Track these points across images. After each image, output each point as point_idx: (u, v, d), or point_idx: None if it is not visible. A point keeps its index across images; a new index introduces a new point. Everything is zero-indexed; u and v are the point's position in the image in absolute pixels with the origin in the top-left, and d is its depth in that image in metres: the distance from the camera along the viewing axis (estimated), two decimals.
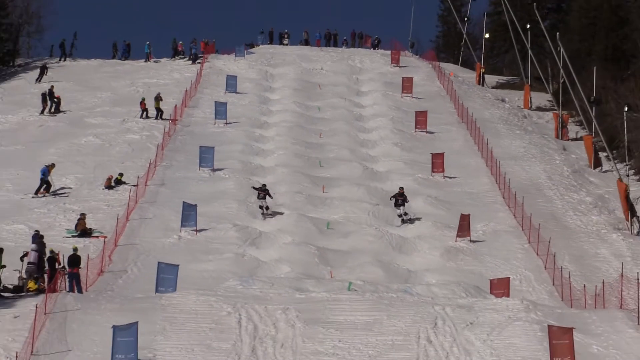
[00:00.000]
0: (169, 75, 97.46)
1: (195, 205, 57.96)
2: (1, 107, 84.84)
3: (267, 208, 58.67)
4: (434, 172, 68.04)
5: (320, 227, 58.70)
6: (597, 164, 71.50)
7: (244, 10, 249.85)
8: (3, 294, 46.85)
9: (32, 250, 49.24)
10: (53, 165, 65.30)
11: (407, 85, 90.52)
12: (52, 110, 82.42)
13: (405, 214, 58.57)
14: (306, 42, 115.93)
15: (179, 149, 71.94)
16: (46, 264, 48.60)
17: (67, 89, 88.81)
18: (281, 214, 59.81)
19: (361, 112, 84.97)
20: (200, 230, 56.84)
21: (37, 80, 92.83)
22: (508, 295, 47.47)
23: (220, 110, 79.30)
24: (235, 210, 60.40)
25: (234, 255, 53.91)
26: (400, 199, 58.71)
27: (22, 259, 48.62)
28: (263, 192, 58.82)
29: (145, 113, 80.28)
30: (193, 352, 39.31)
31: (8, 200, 62.40)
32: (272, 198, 59.00)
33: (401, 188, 59.36)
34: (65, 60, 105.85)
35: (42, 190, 63.27)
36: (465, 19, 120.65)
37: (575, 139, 78.14)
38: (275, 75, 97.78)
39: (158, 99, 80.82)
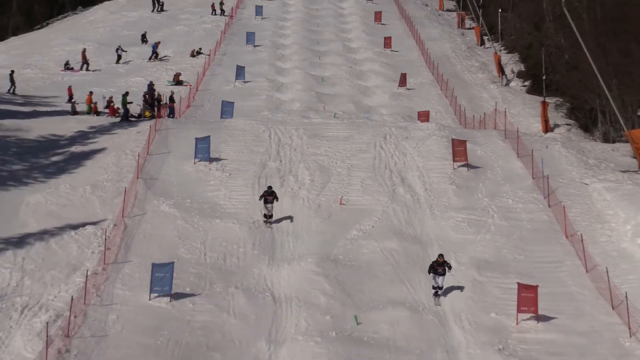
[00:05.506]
0: None
1: (244, 67, 57.55)
2: (127, 7, 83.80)
3: (271, 217, 33.60)
4: (385, 49, 67.23)
5: (317, 80, 58.40)
6: (482, 43, 71.35)
7: None
8: (131, 119, 47.74)
9: (144, 93, 49.92)
10: (159, 42, 64.97)
11: None
12: (159, 9, 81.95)
13: (441, 288, 28.61)
14: None
15: (234, 33, 70.73)
16: (156, 102, 49.49)
17: None
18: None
19: (342, 12, 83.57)
20: (247, 82, 56.49)
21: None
22: (428, 121, 47.70)
23: (259, 10, 78.83)
24: (267, 70, 59.85)
25: (266, 97, 53.74)
26: (440, 268, 28.54)
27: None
28: (270, 195, 33.51)
29: (214, 12, 79.60)
30: (242, 153, 39.81)
31: (134, 64, 62.00)
32: (277, 201, 33.87)
33: (440, 256, 28.80)
34: None
35: (153, 57, 62.89)
36: None
37: (469, 29, 77.11)
38: None
39: (221, 3, 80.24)
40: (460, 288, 28.28)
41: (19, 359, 24.15)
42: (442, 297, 28.42)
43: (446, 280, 28.55)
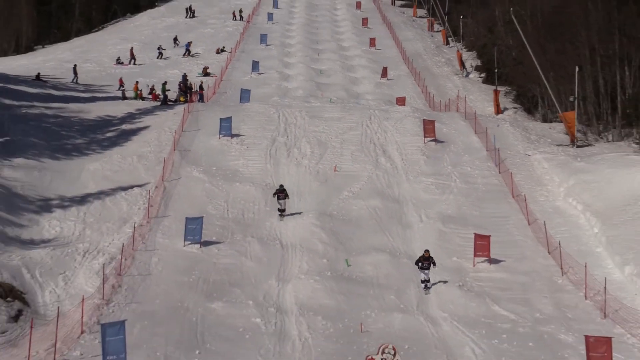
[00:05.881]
0: (246, 0, 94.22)
1: (258, 62, 57.12)
2: (166, 14, 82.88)
3: (283, 211, 30.42)
4: (370, 47, 66.26)
5: (316, 72, 57.80)
6: (447, 43, 70.74)
7: None
8: (169, 103, 47.44)
9: (179, 82, 49.58)
10: (191, 42, 64.34)
11: (358, 2, 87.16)
12: (191, 16, 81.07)
13: (429, 280, 24.94)
14: None
15: (250, 34, 70.07)
16: (188, 89, 49.13)
17: (197, 4, 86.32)
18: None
19: (336, 18, 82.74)
20: (261, 74, 55.93)
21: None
22: (404, 105, 47.42)
23: (270, 16, 78.19)
24: (277, 64, 59.23)
25: (276, 85, 53.26)
26: (425, 262, 24.83)
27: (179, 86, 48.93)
28: (282, 192, 30.46)
29: (234, 18, 78.85)
30: (257, 130, 39.54)
31: (171, 59, 61.36)
32: (289, 199, 30.68)
33: (426, 251, 25.14)
34: None
35: (186, 54, 62.30)
36: None
37: (437, 31, 76.56)
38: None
39: (240, 11, 79.49)
40: (429, 238, 28.23)
41: (82, 292, 24.23)
42: (415, 243, 28.30)
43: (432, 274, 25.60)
